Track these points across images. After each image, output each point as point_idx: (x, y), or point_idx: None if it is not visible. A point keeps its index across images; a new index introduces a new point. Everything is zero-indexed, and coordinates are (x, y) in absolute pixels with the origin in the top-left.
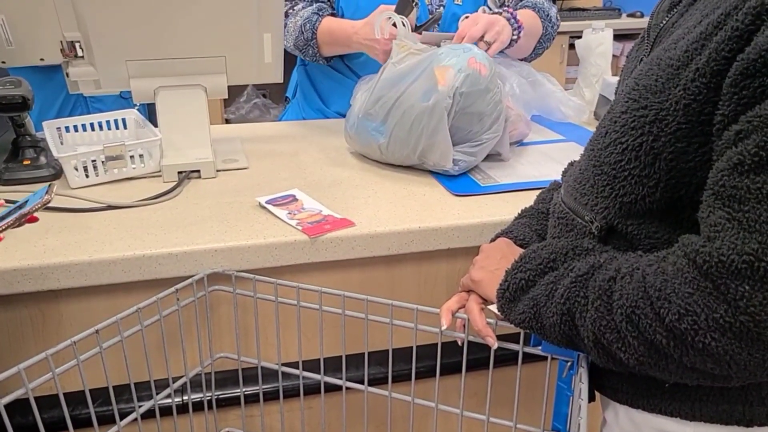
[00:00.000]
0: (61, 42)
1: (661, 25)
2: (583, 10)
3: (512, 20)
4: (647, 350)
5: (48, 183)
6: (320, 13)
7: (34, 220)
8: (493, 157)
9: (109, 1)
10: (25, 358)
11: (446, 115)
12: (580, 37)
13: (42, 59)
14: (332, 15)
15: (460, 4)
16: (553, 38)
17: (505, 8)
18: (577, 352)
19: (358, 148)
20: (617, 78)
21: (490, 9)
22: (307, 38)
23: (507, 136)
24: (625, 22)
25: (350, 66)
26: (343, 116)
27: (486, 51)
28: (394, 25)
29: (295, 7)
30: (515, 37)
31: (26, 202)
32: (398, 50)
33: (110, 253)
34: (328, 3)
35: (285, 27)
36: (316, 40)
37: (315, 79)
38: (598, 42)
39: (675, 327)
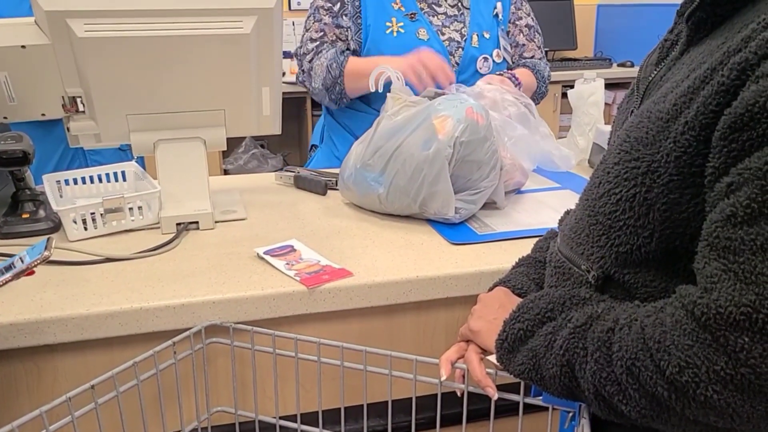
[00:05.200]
0: (63, 97)
1: (650, 78)
2: (575, 60)
3: (513, 78)
4: (649, 403)
5: (47, 237)
6: (344, 53)
7: (31, 273)
8: (489, 205)
9: (111, 57)
10: (19, 413)
11: (447, 163)
12: (572, 86)
13: (43, 114)
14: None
15: (477, 46)
16: (545, 96)
17: (505, 71)
18: (578, 403)
19: (356, 199)
20: (610, 126)
21: (505, 50)
22: (335, 76)
23: (502, 185)
24: (616, 72)
25: (374, 107)
26: None
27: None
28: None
29: (320, 53)
30: (517, 85)
31: (24, 256)
32: (393, 103)
33: (107, 306)
34: (347, 46)
35: (311, 70)
36: (343, 77)
37: (344, 123)
38: (590, 92)
39: (676, 380)
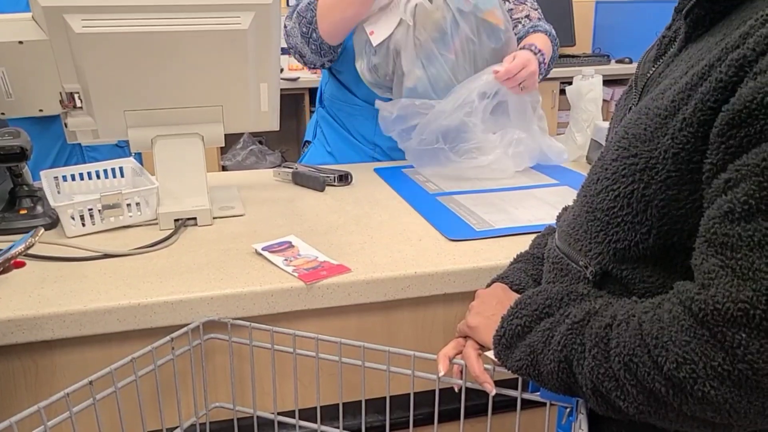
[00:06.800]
0: (61, 93)
1: (648, 75)
2: (573, 56)
3: (533, 48)
4: (646, 399)
5: (33, 226)
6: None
7: (21, 264)
8: (487, 200)
9: (109, 52)
10: (17, 409)
11: None
12: (570, 83)
13: (41, 110)
14: None
15: None
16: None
17: (528, 44)
18: (576, 398)
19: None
20: (608, 123)
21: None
22: (309, 19)
23: None
24: (614, 68)
25: (365, 99)
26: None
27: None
28: None
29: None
30: (543, 63)
31: (11, 248)
32: None
33: (105, 302)
34: None
35: (286, 29)
36: (316, 18)
37: (336, 115)
38: (588, 88)
39: (673, 375)
